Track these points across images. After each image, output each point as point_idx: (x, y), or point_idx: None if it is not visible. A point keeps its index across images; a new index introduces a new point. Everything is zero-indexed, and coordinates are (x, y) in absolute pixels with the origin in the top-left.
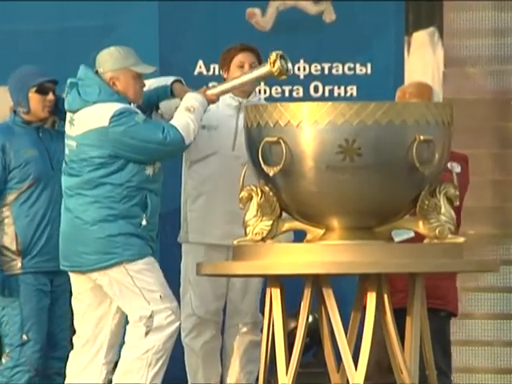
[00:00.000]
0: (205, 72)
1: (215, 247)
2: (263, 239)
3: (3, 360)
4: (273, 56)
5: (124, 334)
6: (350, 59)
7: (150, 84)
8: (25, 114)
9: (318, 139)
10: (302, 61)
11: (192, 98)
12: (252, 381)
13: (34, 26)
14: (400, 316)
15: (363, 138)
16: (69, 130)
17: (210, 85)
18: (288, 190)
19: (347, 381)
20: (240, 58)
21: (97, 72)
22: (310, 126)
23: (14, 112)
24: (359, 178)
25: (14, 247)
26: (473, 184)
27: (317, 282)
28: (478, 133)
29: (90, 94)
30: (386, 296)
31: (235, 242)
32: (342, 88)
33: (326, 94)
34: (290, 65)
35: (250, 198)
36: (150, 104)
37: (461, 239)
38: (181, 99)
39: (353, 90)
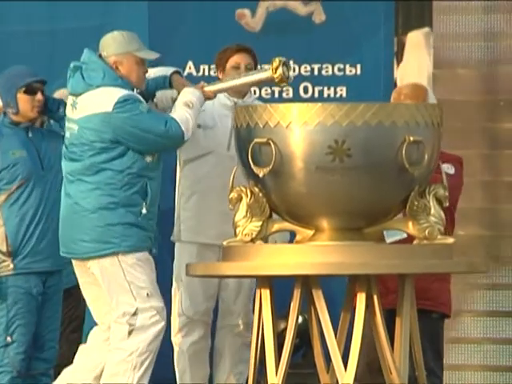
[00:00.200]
0: (194, 73)
1: (208, 247)
2: (253, 240)
3: None
4: (276, 62)
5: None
6: (340, 60)
7: (149, 73)
8: (14, 115)
9: (308, 140)
10: (291, 62)
11: (190, 94)
12: (242, 381)
13: (24, 27)
14: (392, 317)
15: (353, 139)
16: (71, 113)
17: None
18: (278, 190)
19: (337, 381)
20: (236, 58)
21: (100, 56)
22: (299, 126)
23: (4, 114)
24: (349, 179)
25: (4, 248)
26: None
27: (306, 282)
28: (467, 134)
29: (94, 78)
30: (375, 297)
31: (225, 243)
32: (332, 89)
33: (316, 94)
34: (291, 72)
35: (240, 199)
36: (148, 93)
37: (450, 240)
38: (178, 91)
39: (342, 90)
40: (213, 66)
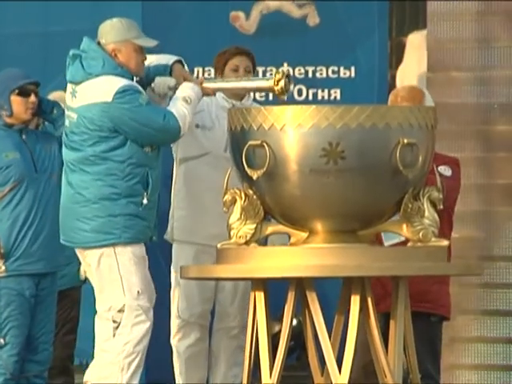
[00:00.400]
0: None
1: (205, 248)
2: (247, 242)
3: None
4: (279, 74)
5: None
6: (334, 62)
7: (151, 60)
8: (7, 117)
9: (302, 142)
10: (285, 64)
11: (190, 89)
12: None
13: (19, 30)
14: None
15: (347, 142)
16: (70, 101)
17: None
18: (272, 193)
19: None
20: (235, 61)
21: (99, 43)
22: (293, 129)
23: None
24: (343, 182)
25: None
26: None
27: (301, 285)
28: (461, 136)
29: (94, 67)
30: (369, 299)
31: (219, 246)
32: (326, 91)
33: (310, 97)
34: (292, 86)
35: (234, 202)
36: (148, 79)
37: (445, 242)
38: (177, 82)
39: (337, 93)
40: (207, 68)
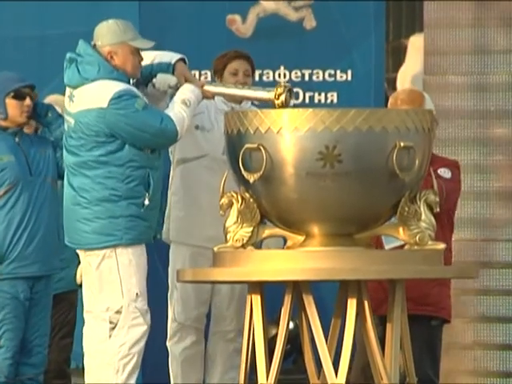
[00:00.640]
0: None
1: (201, 250)
2: (243, 246)
3: None
4: (281, 88)
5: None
6: (331, 66)
7: (154, 57)
8: (2, 120)
9: (299, 146)
10: (282, 67)
11: (190, 92)
12: None
13: (15, 33)
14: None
15: (343, 145)
16: (68, 105)
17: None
18: (268, 196)
19: None
20: (234, 65)
21: (95, 45)
22: (290, 132)
23: None
24: (339, 185)
25: None
26: None
27: (297, 288)
28: (457, 140)
29: (89, 72)
30: (366, 303)
31: (215, 249)
32: (323, 94)
33: (307, 100)
34: (292, 101)
35: (231, 205)
36: (150, 76)
37: (441, 246)
38: (179, 82)
39: (333, 96)
40: (203, 72)
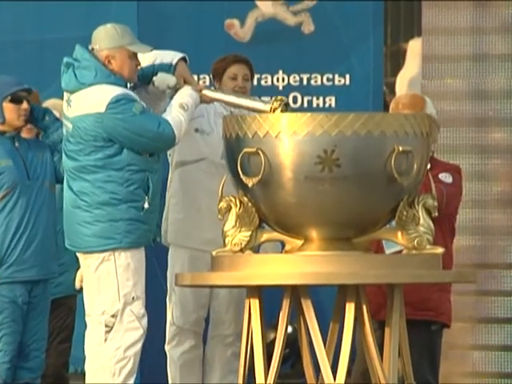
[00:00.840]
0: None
1: (200, 253)
2: (242, 250)
3: None
4: (277, 102)
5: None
6: (329, 70)
7: (155, 57)
8: (0, 125)
9: (297, 150)
10: (280, 71)
11: (188, 96)
12: None
13: (14, 37)
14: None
15: (342, 149)
16: (66, 109)
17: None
18: (267, 200)
19: None
20: (233, 69)
21: (92, 49)
22: (288, 136)
23: None
24: (338, 189)
25: None
26: None
27: (296, 292)
28: (455, 145)
29: (86, 77)
30: (364, 307)
31: (214, 253)
32: (321, 99)
33: (305, 104)
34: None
35: (229, 209)
36: (151, 76)
37: (439, 250)
38: (178, 83)
39: (331, 100)
40: (202, 76)
